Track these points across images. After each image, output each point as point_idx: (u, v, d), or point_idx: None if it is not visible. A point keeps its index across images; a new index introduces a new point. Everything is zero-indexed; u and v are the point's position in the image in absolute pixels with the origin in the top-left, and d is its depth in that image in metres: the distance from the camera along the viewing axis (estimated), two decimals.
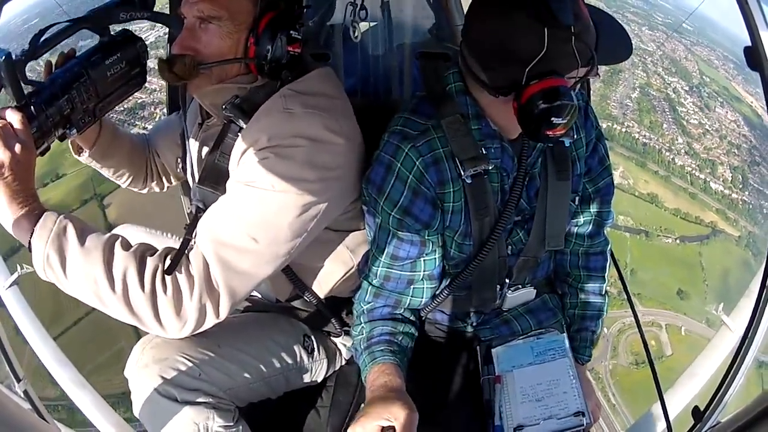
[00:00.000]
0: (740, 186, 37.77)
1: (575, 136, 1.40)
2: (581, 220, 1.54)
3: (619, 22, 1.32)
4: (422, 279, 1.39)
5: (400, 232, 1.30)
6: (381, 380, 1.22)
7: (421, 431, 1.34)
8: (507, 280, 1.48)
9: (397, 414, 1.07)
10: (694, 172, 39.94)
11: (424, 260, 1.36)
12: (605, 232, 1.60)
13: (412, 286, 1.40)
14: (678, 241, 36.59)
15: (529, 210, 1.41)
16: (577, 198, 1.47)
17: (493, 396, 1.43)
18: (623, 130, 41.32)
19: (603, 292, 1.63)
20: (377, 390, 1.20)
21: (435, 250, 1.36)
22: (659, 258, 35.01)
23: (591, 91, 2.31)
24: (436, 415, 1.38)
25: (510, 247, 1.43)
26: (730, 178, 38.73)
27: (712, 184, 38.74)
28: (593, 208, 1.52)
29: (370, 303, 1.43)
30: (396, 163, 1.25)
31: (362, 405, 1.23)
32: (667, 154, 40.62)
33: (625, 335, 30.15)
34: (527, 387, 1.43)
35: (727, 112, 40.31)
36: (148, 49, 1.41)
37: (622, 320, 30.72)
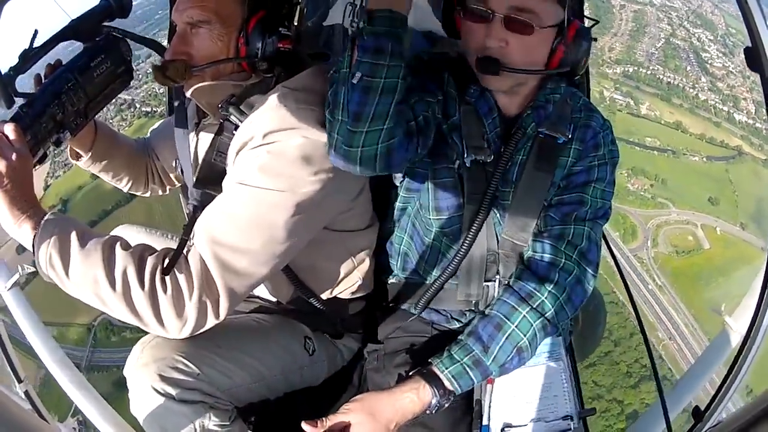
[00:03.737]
0: (764, 117, 37.87)
1: (569, 136, 1.43)
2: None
3: None
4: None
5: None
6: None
7: (410, 430, 1.34)
8: (498, 276, 1.48)
9: None
10: (717, 105, 41.13)
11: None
12: (563, 257, 1.40)
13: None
14: (705, 159, 38.41)
15: (501, 192, 1.43)
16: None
17: (484, 396, 1.43)
18: (648, 72, 43.19)
19: (518, 318, 1.36)
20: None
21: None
22: (688, 173, 37.02)
23: (590, 90, 2.31)
24: (425, 415, 1.36)
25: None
26: (753, 110, 39.57)
27: (735, 115, 39.93)
28: (555, 215, 1.43)
29: None
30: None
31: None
32: (691, 90, 42.13)
33: (663, 230, 33.17)
34: (519, 388, 1.43)
35: None
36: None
37: (658, 218, 33.56)
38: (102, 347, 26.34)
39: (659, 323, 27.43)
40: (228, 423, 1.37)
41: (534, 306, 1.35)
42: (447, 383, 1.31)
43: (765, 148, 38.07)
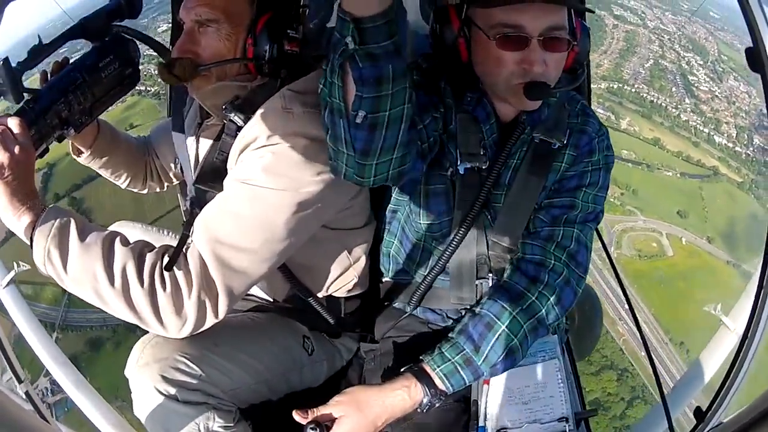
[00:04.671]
0: (745, 142, 38.61)
1: (564, 142, 1.42)
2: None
3: None
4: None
5: None
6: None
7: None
8: (491, 275, 1.47)
9: None
10: (698, 126, 41.33)
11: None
12: (552, 258, 1.39)
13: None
14: (679, 175, 38.96)
15: (493, 195, 1.43)
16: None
17: (480, 397, 1.43)
18: (633, 90, 43.74)
19: (506, 320, 1.33)
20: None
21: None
22: (660, 186, 37.62)
23: (591, 92, 2.32)
24: (422, 415, 1.35)
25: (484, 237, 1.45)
26: (734, 135, 39.80)
27: (715, 137, 40.05)
28: (545, 218, 1.43)
29: None
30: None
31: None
32: (673, 110, 42.50)
33: (628, 234, 33.80)
34: (515, 389, 1.43)
35: (740, 85, 41.37)
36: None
37: (624, 223, 34.17)
38: (76, 307, 26.21)
39: (619, 319, 28.19)
40: (232, 424, 1.37)
41: (524, 307, 1.33)
42: (438, 382, 1.29)
43: (742, 171, 38.34)
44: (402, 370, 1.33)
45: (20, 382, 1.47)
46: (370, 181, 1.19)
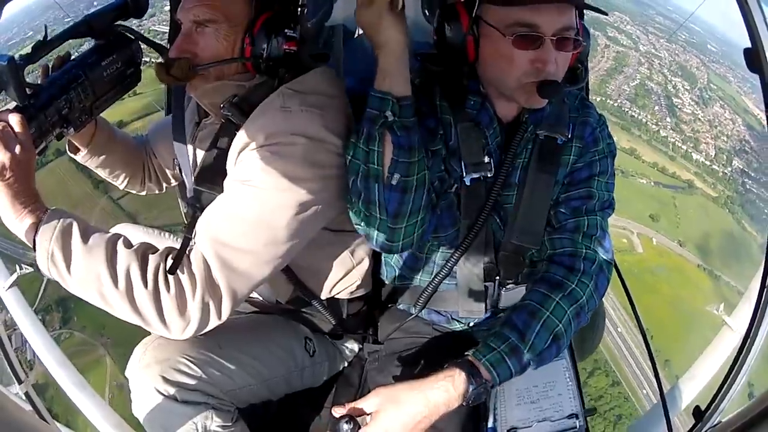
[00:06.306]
0: (723, 162, 38.25)
1: (569, 135, 1.43)
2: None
3: None
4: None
5: None
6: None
7: None
8: (497, 277, 1.47)
9: None
10: (676, 143, 40.72)
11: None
12: (583, 247, 1.41)
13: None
14: (653, 184, 38.36)
15: (503, 196, 1.42)
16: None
17: (489, 398, 1.42)
18: (615, 104, 43.34)
19: (549, 306, 1.33)
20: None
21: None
22: (633, 191, 36.71)
23: (590, 87, 2.32)
24: None
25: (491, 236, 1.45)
26: (713, 154, 39.27)
27: (693, 155, 39.63)
28: (566, 211, 1.44)
29: None
30: None
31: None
32: (653, 127, 42.01)
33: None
34: (523, 389, 1.43)
35: (725, 111, 40.98)
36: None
37: None
38: None
39: None
40: (230, 424, 1.37)
41: (566, 293, 1.33)
42: (484, 372, 1.23)
43: (718, 187, 37.83)
44: (445, 366, 1.27)
45: (20, 382, 1.47)
46: (399, 245, 1.33)
